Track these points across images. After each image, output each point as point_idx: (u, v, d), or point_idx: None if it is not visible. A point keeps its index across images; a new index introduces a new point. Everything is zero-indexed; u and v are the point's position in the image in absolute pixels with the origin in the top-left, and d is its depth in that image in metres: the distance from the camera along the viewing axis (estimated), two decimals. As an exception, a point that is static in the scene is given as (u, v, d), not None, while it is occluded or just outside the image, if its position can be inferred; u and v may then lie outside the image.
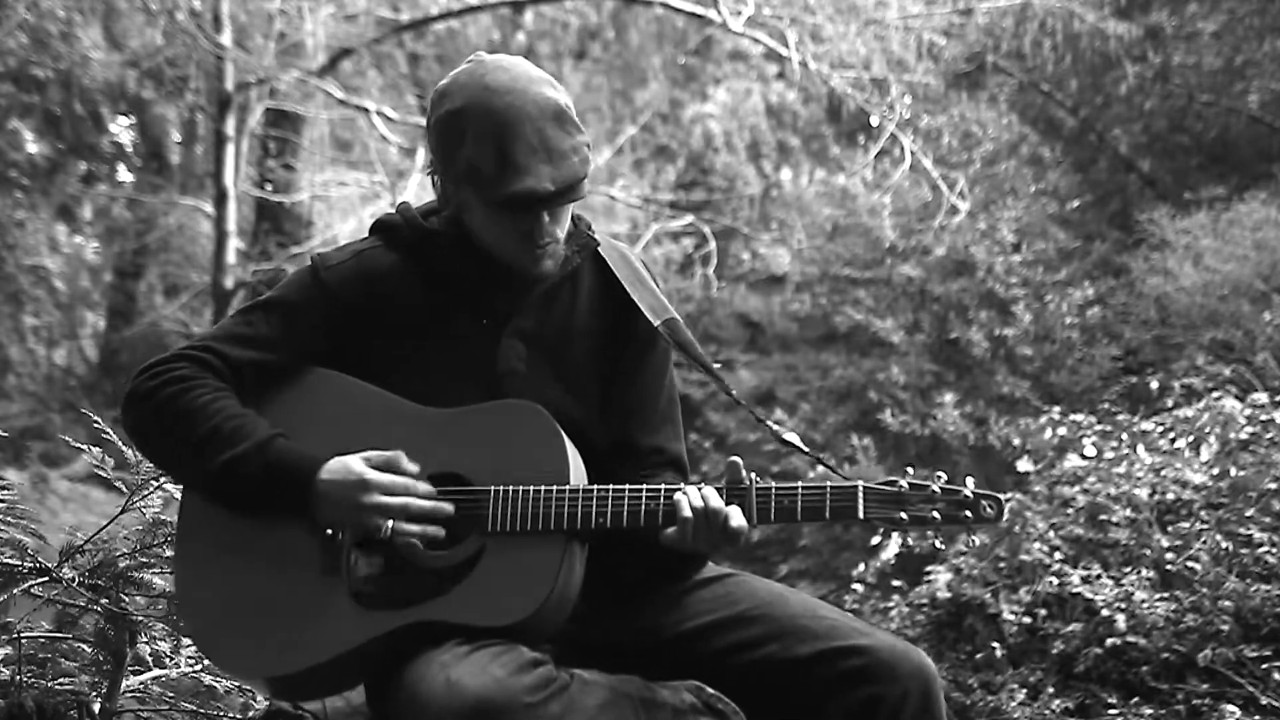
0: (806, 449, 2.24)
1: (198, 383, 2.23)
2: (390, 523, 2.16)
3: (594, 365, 2.35)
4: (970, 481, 2.15)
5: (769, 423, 2.29)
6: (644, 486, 2.16)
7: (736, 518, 2.11)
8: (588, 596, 2.21)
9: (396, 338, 2.30)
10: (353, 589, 2.18)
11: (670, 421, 2.41)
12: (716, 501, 2.11)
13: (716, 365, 2.42)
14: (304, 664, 2.17)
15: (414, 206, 2.40)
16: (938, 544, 2.17)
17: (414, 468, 2.20)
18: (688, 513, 2.11)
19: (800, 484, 2.13)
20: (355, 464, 2.18)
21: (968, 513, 2.12)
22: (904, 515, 2.11)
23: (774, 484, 2.14)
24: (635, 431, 2.36)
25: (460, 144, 2.16)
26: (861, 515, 2.11)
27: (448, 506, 2.17)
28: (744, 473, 2.16)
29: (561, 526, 2.14)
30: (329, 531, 2.20)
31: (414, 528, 2.16)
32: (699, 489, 2.13)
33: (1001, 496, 2.14)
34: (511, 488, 2.16)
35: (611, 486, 2.15)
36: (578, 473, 2.20)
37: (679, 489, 2.14)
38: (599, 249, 2.38)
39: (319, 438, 2.25)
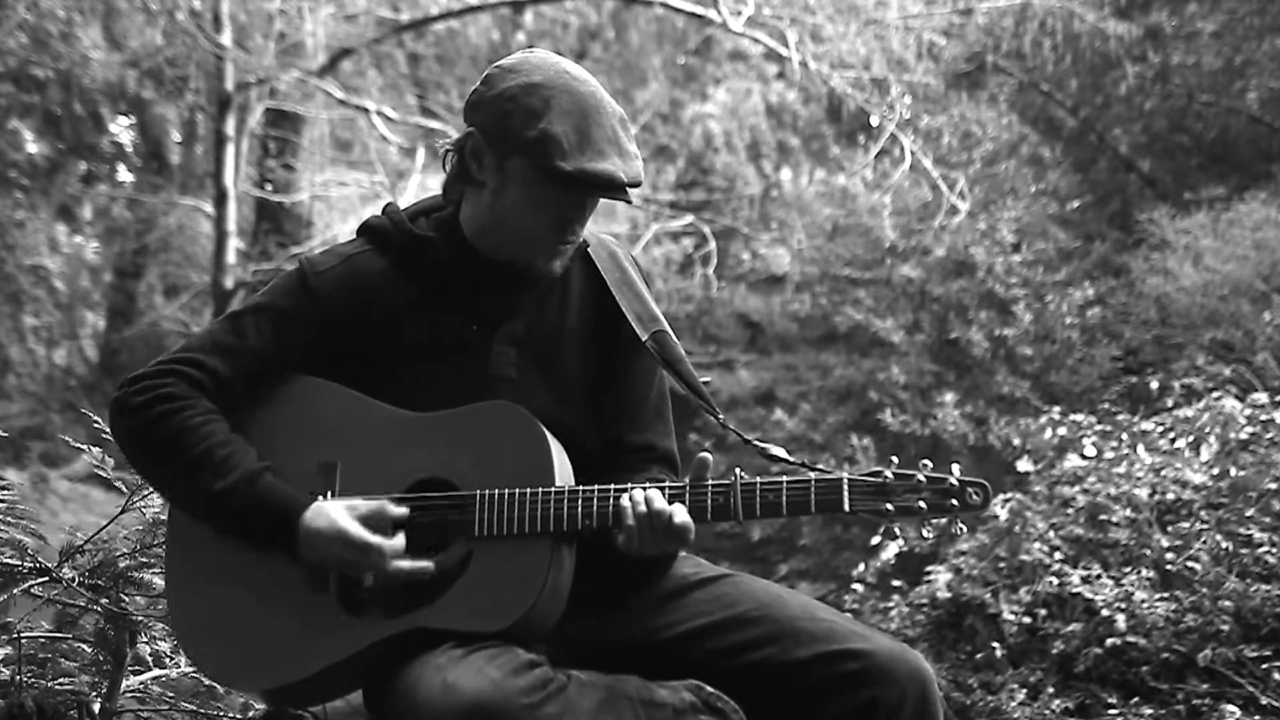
0: (794, 461, 2.22)
1: (187, 404, 2.22)
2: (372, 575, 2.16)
3: (584, 368, 2.33)
4: (956, 469, 2.13)
5: (754, 441, 2.27)
6: (629, 485, 2.14)
7: (680, 515, 2.09)
8: (580, 598, 2.21)
9: (386, 344, 2.28)
10: (342, 598, 2.17)
11: (660, 418, 2.40)
12: (660, 503, 2.09)
13: (708, 384, 2.39)
14: (296, 676, 2.17)
15: (402, 208, 2.38)
16: (926, 533, 2.14)
17: (399, 512, 2.17)
18: (630, 520, 2.09)
19: (785, 478, 2.12)
20: (338, 516, 2.15)
21: (954, 501, 2.10)
22: (890, 506, 2.09)
23: (759, 479, 2.12)
24: (625, 430, 2.35)
25: (539, 115, 2.15)
26: (847, 507, 2.09)
27: (428, 564, 2.15)
28: (726, 471, 2.14)
29: (548, 529, 2.13)
30: None
31: (397, 578, 2.15)
32: (643, 489, 2.11)
33: (987, 483, 2.12)
34: (497, 492, 2.14)
35: (597, 487, 2.14)
36: (563, 473, 2.18)
37: (663, 487, 2.12)
38: (589, 249, 2.37)
39: (306, 446, 2.24)
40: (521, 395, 2.23)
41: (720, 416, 2.30)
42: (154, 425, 2.21)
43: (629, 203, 2.24)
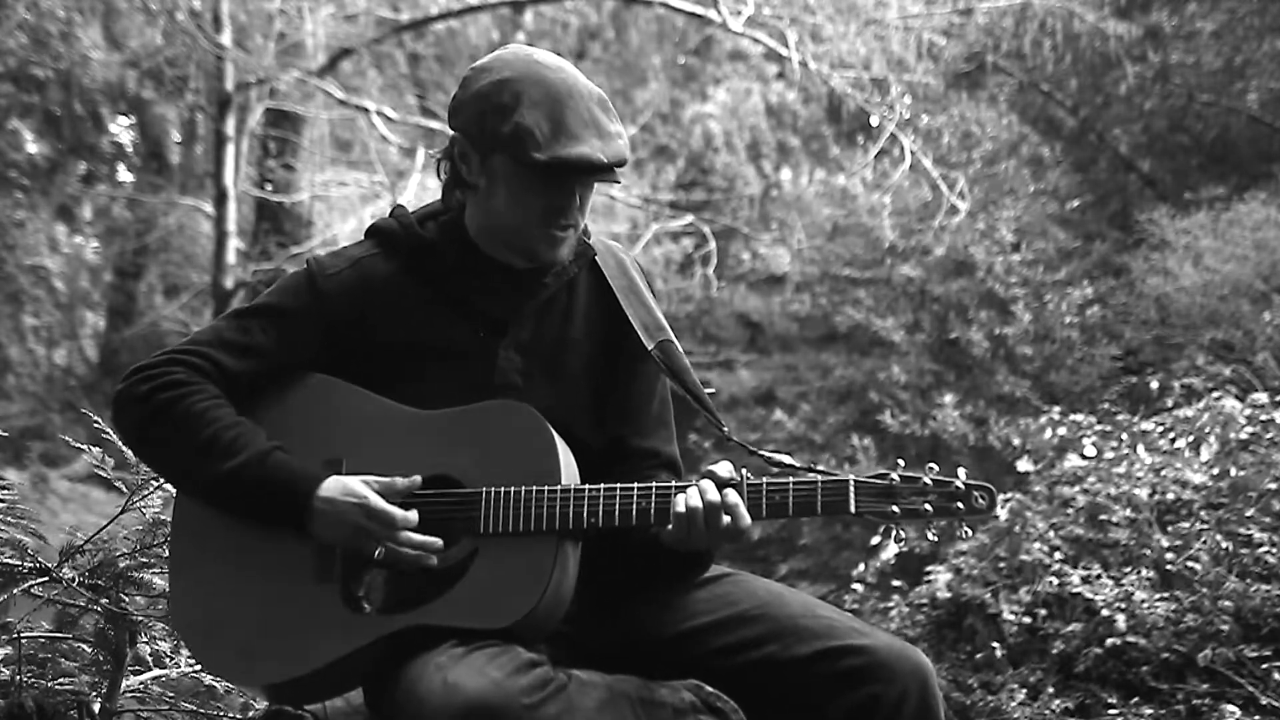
0: (800, 467, 2.22)
1: (194, 389, 2.22)
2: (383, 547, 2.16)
3: (589, 375, 2.34)
4: (962, 472, 2.13)
5: (761, 452, 2.27)
6: (635, 485, 2.15)
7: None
8: (584, 598, 2.21)
9: (392, 348, 2.29)
10: (346, 594, 2.18)
11: (664, 425, 2.40)
12: (714, 495, 2.11)
13: (709, 390, 2.39)
14: (299, 671, 2.17)
15: (410, 211, 2.39)
16: (930, 535, 2.15)
17: (408, 481, 2.18)
18: (682, 509, 2.10)
19: (791, 479, 2.12)
20: (354, 485, 2.17)
21: (959, 504, 2.10)
22: (895, 508, 2.10)
23: (765, 479, 2.13)
24: (630, 436, 2.36)
25: (511, 109, 2.17)
26: (853, 509, 2.10)
27: (438, 541, 2.16)
28: (732, 472, 2.15)
29: (553, 527, 2.13)
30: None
31: (409, 551, 2.15)
32: (696, 483, 2.13)
33: (993, 487, 2.13)
34: (502, 489, 2.15)
35: (602, 486, 2.14)
36: (569, 472, 2.19)
37: (670, 487, 2.13)
38: (595, 258, 2.38)
39: (311, 442, 2.24)
40: (527, 402, 2.23)
41: (725, 429, 2.30)
42: (160, 412, 2.20)
43: (616, 182, 2.25)
